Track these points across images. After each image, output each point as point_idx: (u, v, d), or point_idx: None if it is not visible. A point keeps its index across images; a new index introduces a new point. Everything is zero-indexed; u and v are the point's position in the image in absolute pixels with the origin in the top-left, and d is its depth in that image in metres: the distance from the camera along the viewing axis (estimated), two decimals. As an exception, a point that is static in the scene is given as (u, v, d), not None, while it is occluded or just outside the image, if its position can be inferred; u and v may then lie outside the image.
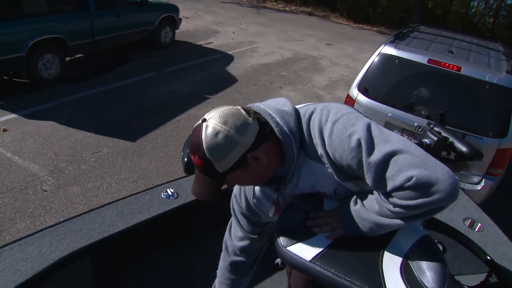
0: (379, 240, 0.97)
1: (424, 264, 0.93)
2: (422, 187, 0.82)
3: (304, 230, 1.01)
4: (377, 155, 0.85)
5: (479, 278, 1.76)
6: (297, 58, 8.46)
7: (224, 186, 1.00)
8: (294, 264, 0.95)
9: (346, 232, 0.99)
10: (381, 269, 0.92)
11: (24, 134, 4.13)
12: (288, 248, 0.96)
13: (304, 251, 0.94)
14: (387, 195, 0.89)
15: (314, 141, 0.96)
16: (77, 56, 6.24)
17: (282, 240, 0.98)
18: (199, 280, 1.78)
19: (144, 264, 1.78)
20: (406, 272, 0.91)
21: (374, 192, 0.94)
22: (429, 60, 3.22)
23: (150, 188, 1.75)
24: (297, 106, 1.04)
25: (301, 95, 6.33)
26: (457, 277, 1.80)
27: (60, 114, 4.62)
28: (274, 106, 1.00)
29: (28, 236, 1.38)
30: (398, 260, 0.95)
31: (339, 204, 1.04)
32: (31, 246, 1.34)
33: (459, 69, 3.11)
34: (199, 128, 0.93)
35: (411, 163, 0.83)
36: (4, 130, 4.15)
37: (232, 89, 6.18)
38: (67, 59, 5.85)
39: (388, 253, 0.96)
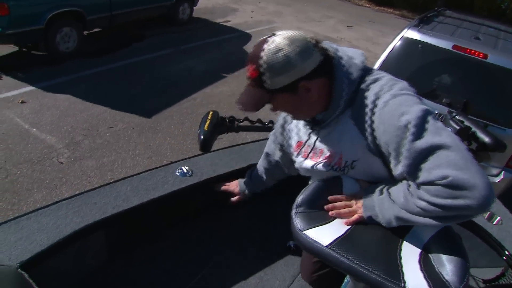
0: (398, 229, 0.94)
1: (444, 256, 0.90)
2: (454, 188, 0.78)
3: (322, 214, 0.99)
4: (422, 142, 0.83)
5: (494, 272, 1.73)
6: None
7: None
8: (311, 249, 0.93)
9: (367, 219, 0.97)
10: (400, 258, 0.90)
11: (41, 107, 4.17)
12: (304, 232, 0.94)
13: (321, 236, 0.92)
14: (417, 186, 0.86)
15: (365, 104, 0.94)
16: (94, 30, 6.22)
17: (299, 224, 0.96)
18: (210, 258, 1.79)
19: (157, 240, 1.79)
20: (425, 263, 0.89)
21: (403, 184, 0.92)
22: (454, 46, 3.10)
23: (165, 165, 1.74)
24: (373, 67, 1.03)
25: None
26: (471, 270, 1.76)
27: (77, 88, 4.65)
28: (347, 53, 1.00)
29: (44, 207, 1.39)
30: (417, 250, 0.92)
31: (363, 189, 1.01)
32: (47, 218, 1.35)
33: (485, 56, 3.00)
34: (264, 40, 0.95)
35: (453, 162, 0.79)
36: (23, 102, 4.20)
37: (249, 69, 6.12)
38: (85, 33, 5.83)
39: (407, 242, 0.94)
